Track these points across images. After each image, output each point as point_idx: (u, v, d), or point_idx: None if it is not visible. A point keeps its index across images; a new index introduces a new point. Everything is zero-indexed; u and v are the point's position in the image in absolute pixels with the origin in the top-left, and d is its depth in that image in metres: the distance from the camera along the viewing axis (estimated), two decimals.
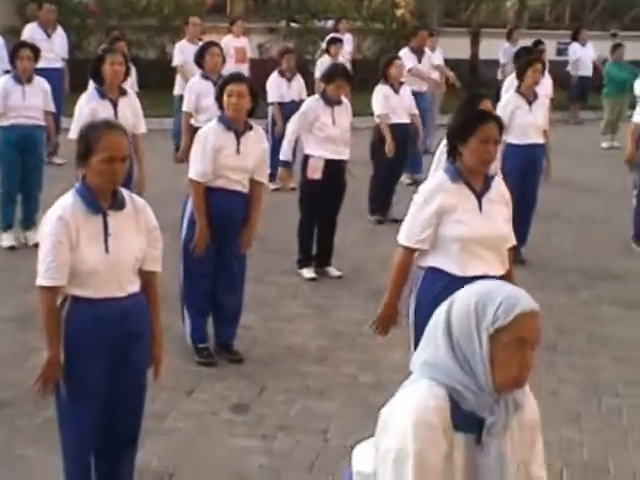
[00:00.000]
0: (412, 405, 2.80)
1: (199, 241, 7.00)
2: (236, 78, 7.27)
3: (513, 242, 5.55)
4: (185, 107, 10.25)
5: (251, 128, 7.13)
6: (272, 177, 13.00)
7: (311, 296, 8.93)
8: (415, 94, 12.49)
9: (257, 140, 7.18)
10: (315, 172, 9.19)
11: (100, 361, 4.54)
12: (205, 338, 7.34)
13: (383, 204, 11.74)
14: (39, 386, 4.56)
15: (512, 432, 2.92)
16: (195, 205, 7.02)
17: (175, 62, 14.49)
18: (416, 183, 13.18)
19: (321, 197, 9.25)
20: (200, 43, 12.15)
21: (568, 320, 8.43)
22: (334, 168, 9.26)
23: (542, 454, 3.09)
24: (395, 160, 11.56)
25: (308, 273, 9.39)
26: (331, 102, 9.22)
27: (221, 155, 6.99)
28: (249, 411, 6.47)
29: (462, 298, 2.86)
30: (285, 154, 9.34)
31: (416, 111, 11.94)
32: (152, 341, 4.79)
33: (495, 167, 6.62)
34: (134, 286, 4.62)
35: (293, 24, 22.18)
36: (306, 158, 9.34)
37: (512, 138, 9.58)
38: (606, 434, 6.35)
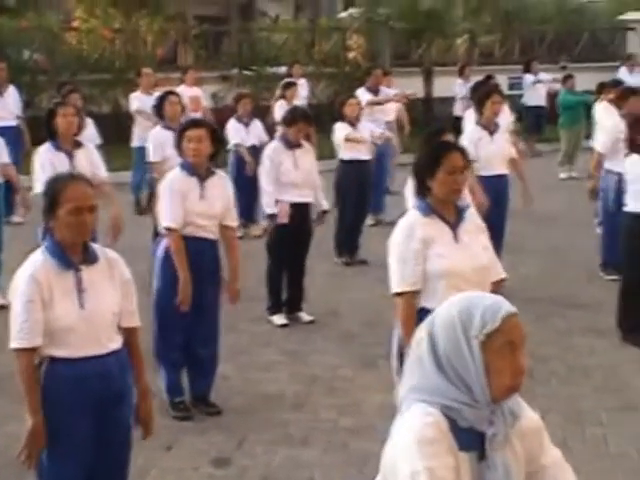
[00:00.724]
0: (410, 427, 2.71)
1: (184, 295, 6.85)
2: (194, 123, 7.21)
3: (502, 274, 5.48)
4: (152, 158, 10.02)
5: (214, 173, 7.05)
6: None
7: (284, 342, 8.81)
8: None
9: (221, 185, 7.09)
10: (282, 217, 9.11)
11: (82, 422, 4.40)
12: (181, 391, 7.20)
13: (350, 246, 11.67)
14: (24, 457, 4.39)
15: (513, 443, 2.85)
16: (176, 254, 6.85)
17: (132, 107, 14.42)
18: (380, 224, 13.24)
19: (289, 241, 9.16)
20: (155, 94, 12.08)
21: (543, 349, 8.37)
22: (300, 212, 9.19)
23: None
24: (359, 199, 11.54)
25: (279, 319, 9.28)
26: (292, 145, 9.14)
27: (186, 201, 6.90)
28: (230, 464, 6.34)
29: (442, 314, 2.80)
30: (269, 205, 9.13)
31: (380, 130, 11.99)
32: (140, 398, 4.65)
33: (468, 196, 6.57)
34: (115, 342, 4.49)
35: (246, 71, 22.16)
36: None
37: (477, 170, 9.51)
38: (595, 464, 6.27)
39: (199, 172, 6.96)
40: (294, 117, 9.31)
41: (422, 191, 5.31)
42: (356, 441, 6.44)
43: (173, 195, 6.91)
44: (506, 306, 2.78)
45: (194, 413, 7.10)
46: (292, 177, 9.09)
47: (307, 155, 9.29)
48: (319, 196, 9.39)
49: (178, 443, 6.63)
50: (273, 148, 9.25)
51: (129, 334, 4.61)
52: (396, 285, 5.22)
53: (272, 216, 9.13)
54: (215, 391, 7.30)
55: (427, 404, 2.74)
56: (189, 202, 6.90)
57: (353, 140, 11.41)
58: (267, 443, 6.62)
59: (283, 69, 19.74)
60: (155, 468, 6.24)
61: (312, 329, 9.19)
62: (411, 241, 5.16)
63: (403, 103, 15.15)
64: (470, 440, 2.75)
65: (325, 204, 9.46)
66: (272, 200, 9.09)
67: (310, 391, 7.60)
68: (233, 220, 7.23)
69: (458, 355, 2.73)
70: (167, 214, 6.94)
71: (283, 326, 9.21)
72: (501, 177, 9.91)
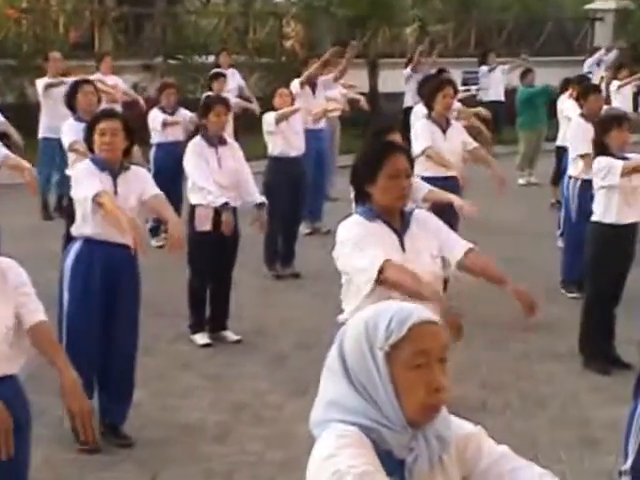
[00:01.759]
0: (327, 442, 2.66)
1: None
2: (107, 114, 7.14)
3: (469, 246, 5.46)
4: (70, 139, 9.71)
5: (128, 168, 7.00)
6: (155, 231, 12.89)
7: (207, 365, 8.73)
8: (310, 132, 12.43)
9: (135, 180, 7.03)
10: (204, 224, 9.02)
11: None
12: None
13: (283, 256, 11.62)
14: None
15: (445, 470, 2.80)
16: (115, 218, 6.67)
17: (40, 91, 14.25)
18: (316, 232, 13.21)
19: (212, 251, 9.07)
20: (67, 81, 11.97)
21: (496, 378, 8.39)
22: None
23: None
24: (291, 201, 11.45)
25: (202, 339, 9.20)
26: (214, 142, 9.07)
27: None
28: None
29: (352, 324, 2.78)
30: (216, 197, 8.91)
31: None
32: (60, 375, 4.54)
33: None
34: (8, 366, 4.39)
35: (171, 60, 22.01)
36: (192, 208, 9.18)
37: (424, 170, 9.47)
38: None
39: (112, 168, 6.90)
40: (208, 103, 9.34)
41: (362, 198, 5.27)
42: (284, 476, 6.39)
43: (86, 174, 6.85)
44: (418, 313, 2.71)
45: (102, 445, 6.98)
46: (216, 178, 9.01)
47: (232, 152, 9.20)
48: (250, 189, 9.26)
49: (84, 479, 6.52)
50: (195, 143, 9.16)
51: (37, 328, 4.51)
52: (368, 274, 5.05)
53: (225, 205, 8.93)
54: (127, 420, 7.20)
55: (344, 424, 2.69)
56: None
57: (285, 115, 11.31)
58: (184, 479, 6.54)
59: (212, 58, 19.62)
60: None
61: (238, 350, 9.11)
62: (366, 232, 5.10)
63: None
64: (392, 465, 2.70)
65: (259, 196, 9.30)
66: (216, 189, 8.90)
67: (234, 420, 7.53)
68: (155, 190, 7.16)
69: (363, 368, 2.69)
70: (85, 190, 6.79)
71: (206, 346, 9.13)
72: (452, 180, 9.71)
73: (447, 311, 4.93)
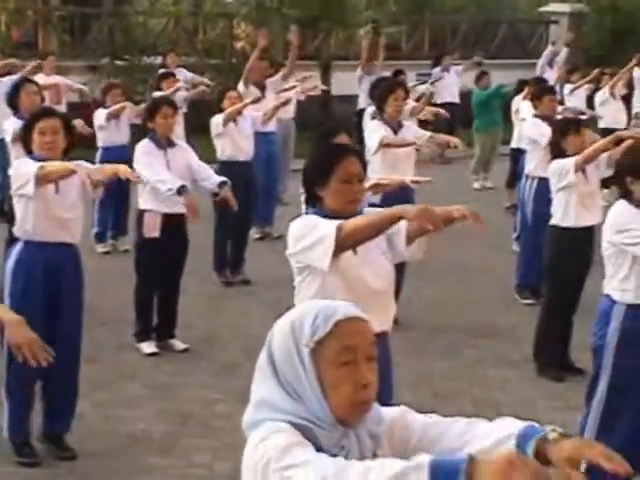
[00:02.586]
0: (258, 433, 2.68)
1: None
2: (47, 112, 7.04)
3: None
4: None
5: None
6: (100, 237, 12.77)
7: (153, 374, 8.65)
8: (260, 135, 12.35)
9: (76, 183, 6.93)
10: (152, 230, 8.94)
11: None
12: (27, 432, 6.98)
13: (232, 261, 11.55)
14: None
15: None
16: (60, 166, 6.61)
17: None
18: (267, 237, 13.16)
19: (160, 257, 9.00)
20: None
21: (450, 385, 8.38)
22: (173, 223, 9.02)
23: None
24: (240, 206, 11.29)
25: (148, 348, 9.11)
26: (162, 144, 9.00)
27: (36, 196, 6.73)
28: None
29: (280, 324, 2.80)
30: (172, 182, 8.73)
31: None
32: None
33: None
34: None
35: (118, 61, 21.84)
36: (141, 213, 9.10)
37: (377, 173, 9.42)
38: None
39: None
40: (155, 104, 9.31)
41: (312, 201, 5.22)
42: None
43: (26, 165, 6.75)
44: (344, 310, 2.74)
45: (43, 458, 6.91)
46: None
47: (182, 154, 9.13)
48: (207, 173, 9.23)
49: None
50: (144, 145, 9.07)
51: None
52: (326, 241, 4.91)
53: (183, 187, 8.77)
54: (69, 431, 7.10)
55: (275, 422, 2.70)
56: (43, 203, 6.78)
57: (232, 114, 11.23)
58: None
59: (161, 59, 19.49)
60: None
61: (186, 359, 9.05)
62: (319, 220, 5.05)
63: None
64: None
65: (218, 177, 9.24)
66: (170, 177, 8.78)
67: (181, 431, 7.46)
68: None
69: (290, 366, 2.72)
70: (27, 173, 6.69)
71: (152, 355, 9.05)
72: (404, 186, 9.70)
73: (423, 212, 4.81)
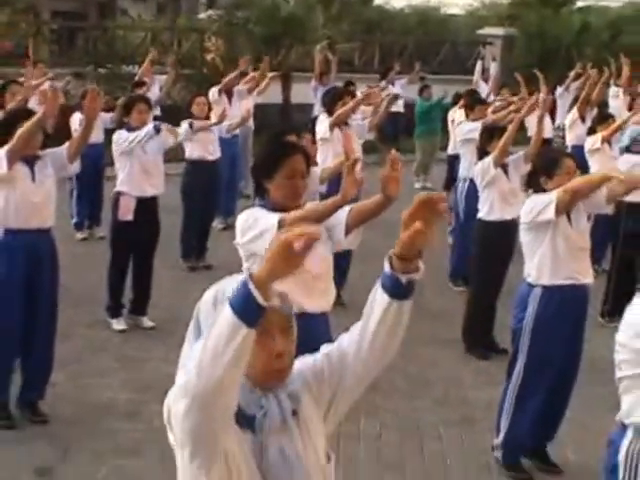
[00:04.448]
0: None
1: None
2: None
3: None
4: None
5: (39, 157, 6.76)
6: (79, 226, 12.63)
7: (121, 349, 8.52)
8: (225, 139, 12.26)
9: (50, 172, 6.81)
10: (126, 213, 8.81)
11: None
12: (6, 398, 6.85)
13: (197, 249, 11.44)
14: None
15: (299, 423, 2.74)
16: (25, 130, 6.43)
17: None
18: (230, 228, 13.02)
19: (134, 239, 8.89)
20: None
21: None
22: (146, 206, 8.93)
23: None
24: (206, 200, 11.33)
25: (118, 324, 8.98)
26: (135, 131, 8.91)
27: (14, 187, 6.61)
28: (52, 475, 6.04)
29: (207, 293, 2.77)
30: (146, 130, 8.84)
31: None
32: None
33: None
34: None
35: (101, 69, 21.63)
36: (117, 196, 8.98)
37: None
38: (432, 479, 6.20)
39: (27, 156, 6.65)
40: (130, 101, 9.29)
41: (260, 192, 5.15)
42: None
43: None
44: None
45: (18, 422, 6.78)
46: (143, 160, 8.94)
47: (156, 139, 9.03)
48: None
49: None
50: (120, 132, 9.01)
51: None
52: (270, 232, 4.79)
53: (156, 126, 8.87)
54: (43, 399, 6.97)
55: None
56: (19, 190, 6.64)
57: (202, 128, 11.11)
58: (94, 453, 6.36)
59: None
60: None
61: (152, 335, 8.91)
62: (262, 217, 4.95)
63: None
64: (244, 420, 2.66)
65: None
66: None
67: (144, 399, 7.32)
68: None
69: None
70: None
71: (122, 331, 8.91)
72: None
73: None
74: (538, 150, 8.24)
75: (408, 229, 2.65)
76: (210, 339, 2.42)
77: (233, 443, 2.62)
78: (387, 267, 2.71)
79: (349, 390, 2.87)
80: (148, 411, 7.09)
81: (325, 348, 2.90)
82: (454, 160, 13.20)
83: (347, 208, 5.10)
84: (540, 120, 8.69)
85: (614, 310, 9.71)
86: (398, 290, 2.71)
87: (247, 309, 2.37)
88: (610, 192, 6.18)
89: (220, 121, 11.44)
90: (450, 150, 14.45)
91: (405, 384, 7.86)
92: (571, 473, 6.38)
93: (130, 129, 8.95)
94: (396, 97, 12.36)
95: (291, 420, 2.72)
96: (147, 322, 9.15)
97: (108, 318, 9.03)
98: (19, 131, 6.45)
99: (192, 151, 11.42)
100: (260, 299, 2.36)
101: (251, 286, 2.36)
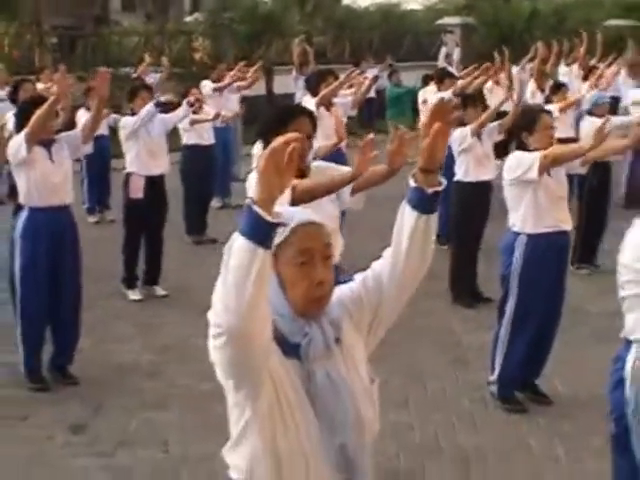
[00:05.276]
0: None
1: None
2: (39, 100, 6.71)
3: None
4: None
5: (55, 140, 6.58)
6: (91, 211, 12.46)
7: (138, 316, 8.34)
8: (219, 128, 12.09)
9: (66, 154, 6.64)
10: (137, 191, 8.65)
11: None
12: (39, 365, 6.69)
13: (198, 225, 11.29)
14: None
15: (342, 349, 2.58)
16: (41, 114, 6.27)
17: None
18: (226, 207, 12.90)
19: (145, 214, 8.73)
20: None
21: None
22: (154, 184, 8.78)
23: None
24: (203, 181, 11.28)
25: (134, 295, 8.80)
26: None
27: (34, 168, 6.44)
28: (87, 431, 5.88)
29: None
30: (147, 108, 8.59)
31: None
32: None
33: None
34: None
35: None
36: (127, 177, 8.81)
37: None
38: (434, 416, 6.06)
39: (45, 142, 6.51)
40: (134, 89, 9.16)
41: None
42: (212, 404, 6.02)
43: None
44: (300, 215, 2.51)
45: (52, 385, 6.62)
46: (148, 147, 8.75)
47: (160, 123, 8.86)
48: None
49: (34, 413, 6.15)
50: (127, 118, 8.83)
51: None
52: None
53: (156, 102, 8.66)
54: (72, 364, 6.79)
55: None
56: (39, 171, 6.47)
57: (198, 122, 10.95)
58: (123, 409, 6.19)
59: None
60: (10, 437, 5.75)
61: (165, 303, 8.74)
62: None
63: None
64: (289, 347, 2.49)
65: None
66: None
67: (163, 360, 7.17)
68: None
69: None
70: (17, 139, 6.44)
71: (137, 301, 8.74)
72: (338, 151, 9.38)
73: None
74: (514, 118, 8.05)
75: (427, 136, 2.54)
76: (229, 272, 2.26)
77: (279, 371, 2.46)
78: (412, 182, 2.59)
79: (387, 312, 2.72)
80: (169, 370, 6.97)
81: (359, 275, 2.73)
82: None
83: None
84: (509, 91, 8.63)
85: (582, 258, 9.65)
86: (424, 203, 2.60)
87: (258, 230, 2.20)
88: (585, 157, 6.22)
89: (215, 118, 11.32)
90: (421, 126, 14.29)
91: (398, 333, 7.67)
92: (561, 403, 6.26)
93: (134, 115, 8.76)
94: (376, 78, 12.25)
95: (334, 346, 2.56)
96: (160, 291, 8.98)
97: (124, 290, 8.87)
98: (35, 115, 6.27)
99: (189, 138, 11.31)
100: (267, 216, 2.19)
101: (256, 208, 2.19)
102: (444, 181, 2.61)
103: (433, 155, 2.56)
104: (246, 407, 2.47)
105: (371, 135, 4.67)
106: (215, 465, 2.73)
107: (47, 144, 6.52)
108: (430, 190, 2.58)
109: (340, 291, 2.67)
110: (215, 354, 2.41)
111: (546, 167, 5.95)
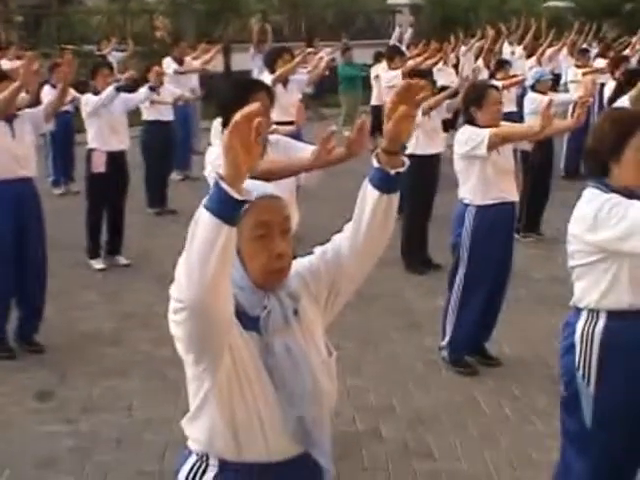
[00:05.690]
0: None
1: None
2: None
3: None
4: None
5: (17, 116, 6.42)
6: (56, 183, 12.21)
7: (102, 284, 8.17)
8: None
9: (29, 129, 6.48)
10: (99, 166, 8.46)
11: None
12: (5, 334, 6.51)
13: (159, 197, 11.10)
14: None
15: (301, 321, 2.46)
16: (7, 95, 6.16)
17: None
18: (187, 179, 12.72)
19: (107, 188, 8.53)
20: None
21: None
22: (116, 159, 8.57)
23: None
24: (163, 155, 11.09)
25: (98, 264, 8.62)
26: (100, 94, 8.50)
27: None
28: (53, 397, 5.73)
29: None
30: (109, 90, 8.41)
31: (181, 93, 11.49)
32: None
33: None
34: None
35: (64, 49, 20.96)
36: (89, 152, 8.59)
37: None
38: (388, 379, 5.98)
39: (8, 117, 6.35)
40: (96, 66, 8.94)
41: (226, 126, 4.76)
42: (172, 369, 5.90)
43: None
44: (259, 189, 2.35)
45: (18, 352, 6.44)
46: (110, 123, 8.55)
47: (117, 102, 8.60)
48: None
49: (1, 381, 5.97)
50: (88, 96, 8.59)
51: None
52: None
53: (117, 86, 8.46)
54: (38, 331, 6.63)
55: None
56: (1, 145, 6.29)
57: (157, 102, 10.76)
58: (88, 376, 6.04)
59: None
60: None
61: (128, 272, 8.57)
62: None
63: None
64: (250, 321, 2.37)
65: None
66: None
67: (126, 327, 7.02)
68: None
69: None
70: None
71: (101, 270, 8.55)
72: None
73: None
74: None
75: (392, 119, 2.39)
76: (193, 246, 2.10)
77: (238, 344, 2.33)
78: (375, 162, 2.45)
79: (345, 285, 2.60)
80: (131, 337, 6.82)
81: (319, 248, 2.61)
82: (377, 111, 13.05)
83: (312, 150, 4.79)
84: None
85: (527, 228, 9.63)
86: (386, 184, 2.48)
87: (224, 207, 2.04)
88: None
89: (175, 102, 11.17)
90: (373, 101, 14.19)
91: (355, 300, 7.59)
92: (509, 365, 6.22)
93: (96, 92, 8.54)
94: (333, 60, 12.15)
95: (293, 318, 2.44)
96: (123, 260, 8.81)
97: (88, 259, 8.68)
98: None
99: (149, 114, 11.12)
100: (235, 194, 2.03)
101: (223, 184, 2.03)
102: (407, 161, 2.49)
103: (397, 137, 2.44)
104: (205, 380, 2.35)
105: (333, 127, 4.46)
106: (177, 427, 2.60)
107: (10, 119, 6.37)
108: (393, 171, 2.47)
109: (298, 263, 2.54)
110: (176, 329, 2.27)
111: (496, 145, 5.85)
